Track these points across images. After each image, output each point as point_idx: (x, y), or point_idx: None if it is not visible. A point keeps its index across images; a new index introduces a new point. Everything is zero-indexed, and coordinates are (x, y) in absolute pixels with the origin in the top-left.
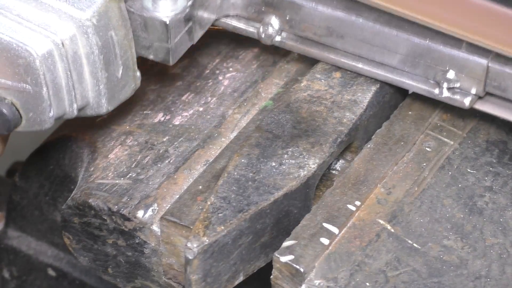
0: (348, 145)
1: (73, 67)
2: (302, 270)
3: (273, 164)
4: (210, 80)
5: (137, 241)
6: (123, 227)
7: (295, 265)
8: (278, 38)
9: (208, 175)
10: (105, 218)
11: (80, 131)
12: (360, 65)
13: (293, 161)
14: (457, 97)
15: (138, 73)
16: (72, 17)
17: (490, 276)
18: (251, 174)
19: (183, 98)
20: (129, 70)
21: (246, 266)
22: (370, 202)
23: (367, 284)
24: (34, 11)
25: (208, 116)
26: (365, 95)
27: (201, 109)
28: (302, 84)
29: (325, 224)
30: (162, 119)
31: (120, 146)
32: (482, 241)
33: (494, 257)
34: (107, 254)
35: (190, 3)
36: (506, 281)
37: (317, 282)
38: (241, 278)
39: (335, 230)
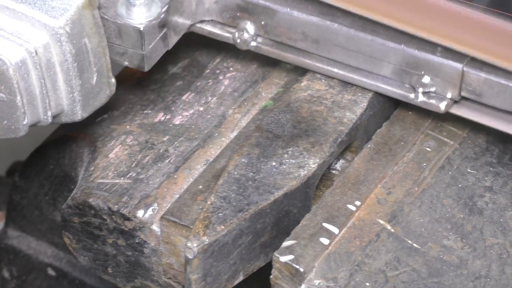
0: (348, 145)
1: (47, 75)
2: (302, 270)
3: (273, 163)
4: (210, 80)
5: (137, 241)
6: (123, 226)
7: (295, 265)
8: (253, 43)
9: (208, 174)
10: (105, 217)
11: (80, 131)
12: (335, 70)
13: (293, 161)
14: (433, 101)
15: (113, 80)
16: (45, 25)
17: (490, 276)
18: (251, 173)
19: (184, 97)
20: (103, 77)
21: (246, 266)
22: (370, 202)
23: (367, 284)
24: (7, 19)
25: (209, 116)
26: (365, 95)
27: (201, 108)
28: (303, 84)
29: (325, 224)
30: (162, 118)
31: (120, 145)
32: (482, 241)
33: (494, 257)
34: (107, 254)
35: (164, 9)
36: (506, 281)
37: (316, 282)
38: (241, 278)
39: (335, 230)
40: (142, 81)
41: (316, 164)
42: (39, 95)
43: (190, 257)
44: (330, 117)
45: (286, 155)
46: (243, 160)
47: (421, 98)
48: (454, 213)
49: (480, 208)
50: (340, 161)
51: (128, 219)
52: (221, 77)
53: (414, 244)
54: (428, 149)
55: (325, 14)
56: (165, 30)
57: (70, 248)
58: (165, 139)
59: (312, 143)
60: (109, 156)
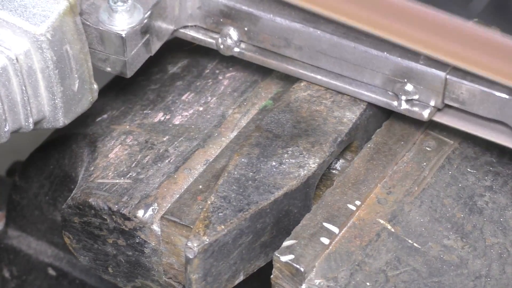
0: (348, 145)
1: (28, 82)
2: (302, 269)
3: (273, 163)
4: (210, 80)
5: (137, 241)
6: (123, 226)
7: (295, 265)
8: (236, 49)
9: (208, 174)
10: (105, 217)
11: (80, 131)
12: (318, 77)
13: (293, 161)
14: (416, 109)
15: (95, 86)
16: (26, 32)
17: (490, 275)
18: (251, 173)
19: (183, 97)
20: (85, 83)
21: (246, 266)
22: (370, 201)
23: (367, 283)
24: None
25: (208, 116)
26: None
27: (201, 108)
28: (302, 84)
29: (325, 224)
30: (162, 118)
31: (120, 145)
32: (482, 240)
33: (494, 256)
34: (107, 254)
35: (147, 15)
36: (506, 280)
37: (317, 281)
38: (241, 278)
39: (335, 229)
40: (141, 81)
41: (316, 164)
42: (20, 102)
43: (191, 256)
44: (330, 116)
45: (286, 155)
46: (243, 160)
47: (404, 105)
48: (454, 213)
49: (480, 208)
50: (340, 160)
51: (128, 219)
52: (220, 77)
53: (415, 244)
54: (428, 148)
55: (308, 20)
56: (147, 36)
57: (70, 248)
58: (165, 139)
59: (312, 142)
60: (109, 156)
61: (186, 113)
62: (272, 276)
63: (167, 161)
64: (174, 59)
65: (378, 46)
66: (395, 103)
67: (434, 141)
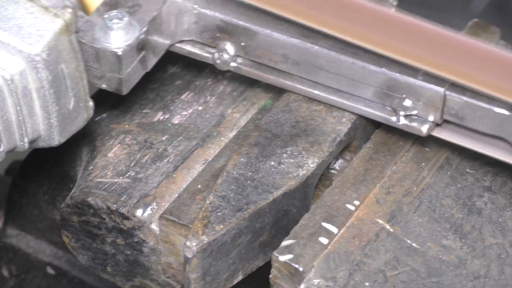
0: (347, 145)
1: (23, 102)
2: (301, 269)
3: (272, 163)
4: (209, 79)
5: (136, 240)
6: (122, 225)
7: (294, 264)
8: (233, 64)
9: (207, 174)
10: (104, 216)
11: (80, 130)
12: (316, 92)
13: (292, 161)
14: (414, 124)
15: (91, 103)
16: (21, 52)
17: (489, 276)
18: (250, 173)
19: (182, 97)
20: (80, 101)
21: (245, 265)
22: (369, 201)
23: (366, 283)
24: None
25: (207, 115)
26: None
27: (200, 108)
28: None
29: (324, 224)
30: (161, 118)
31: (119, 145)
32: (481, 241)
33: (493, 257)
34: (106, 253)
35: (143, 31)
36: (504, 281)
37: (316, 281)
38: (240, 277)
39: (334, 229)
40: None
41: (315, 164)
42: (15, 122)
43: (189, 256)
44: (329, 116)
45: (285, 155)
46: (242, 159)
47: (402, 121)
48: (453, 213)
49: (479, 208)
50: (339, 160)
51: (127, 218)
52: (220, 77)
53: (413, 244)
54: (427, 148)
55: (305, 36)
56: (143, 52)
57: (69, 247)
58: (164, 138)
59: (311, 142)
60: (108, 155)
61: (185, 113)
62: (270, 275)
63: (166, 160)
64: (174, 58)
65: (376, 62)
66: (394, 118)
67: (433, 141)
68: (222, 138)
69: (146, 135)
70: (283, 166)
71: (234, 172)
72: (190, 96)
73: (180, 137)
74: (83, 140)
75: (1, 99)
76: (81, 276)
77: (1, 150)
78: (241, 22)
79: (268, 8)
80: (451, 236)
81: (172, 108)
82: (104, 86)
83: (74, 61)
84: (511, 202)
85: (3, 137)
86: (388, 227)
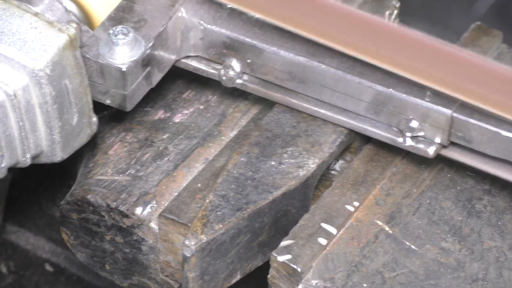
0: (348, 146)
1: (26, 117)
2: (299, 269)
3: (273, 163)
4: (210, 78)
5: (135, 238)
6: (121, 223)
7: (292, 265)
8: (239, 81)
9: (207, 173)
10: (104, 214)
11: None
12: (322, 111)
13: (292, 161)
14: (421, 146)
15: (94, 119)
16: (25, 67)
17: (487, 279)
18: (250, 173)
19: (184, 95)
20: (84, 117)
21: (243, 265)
22: (368, 203)
23: (364, 285)
24: None
25: (208, 114)
26: None
27: (201, 107)
28: None
29: (323, 224)
30: (162, 116)
31: (119, 142)
32: (479, 244)
33: (491, 260)
34: (104, 251)
35: (149, 47)
36: (503, 284)
37: (314, 282)
38: (238, 277)
39: (333, 230)
40: None
41: (315, 164)
42: (18, 137)
43: (188, 255)
44: None
45: (285, 155)
46: (242, 159)
47: (409, 142)
48: (452, 216)
49: (479, 211)
50: (339, 161)
51: (126, 216)
52: None
53: (412, 246)
54: None
55: (312, 54)
56: (148, 68)
57: (68, 244)
58: (164, 137)
59: (312, 143)
60: (109, 152)
61: (186, 111)
62: (269, 275)
63: (166, 159)
64: None
65: (383, 82)
66: (400, 139)
67: None
68: (222, 137)
69: (147, 133)
70: (283, 166)
71: (234, 172)
72: (192, 94)
73: (181, 136)
74: None
75: (3, 114)
76: (80, 273)
77: (4, 165)
78: (247, 39)
79: (272, 21)
80: (450, 239)
81: (173, 106)
82: (108, 102)
83: (78, 76)
84: (510, 205)
85: (5, 152)
86: (387, 228)
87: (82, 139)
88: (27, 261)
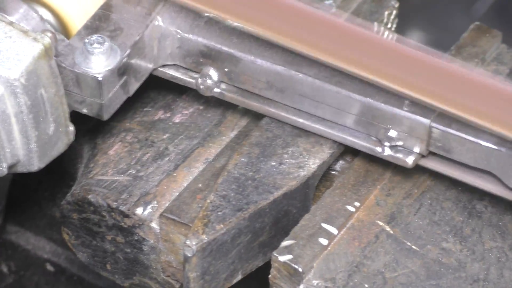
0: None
1: (1, 127)
2: (300, 270)
3: (273, 163)
4: None
5: (135, 238)
6: (122, 223)
7: (293, 265)
8: (217, 90)
9: (208, 173)
10: (104, 214)
11: (80, 127)
12: (301, 120)
13: (293, 161)
14: (400, 155)
15: (71, 128)
16: None
17: (488, 279)
18: (250, 173)
19: (184, 95)
20: (61, 126)
21: (244, 265)
22: (369, 203)
23: (365, 285)
24: None
25: (209, 115)
26: None
27: (201, 107)
28: None
29: (324, 225)
30: (163, 116)
31: (120, 142)
32: (480, 244)
33: (492, 260)
34: (105, 251)
35: (124, 56)
36: (504, 284)
37: (315, 282)
38: (239, 277)
39: (334, 230)
40: None
41: (316, 165)
42: None
43: (189, 255)
44: None
45: (286, 155)
46: (243, 159)
47: (387, 152)
48: (453, 216)
49: (479, 211)
50: (340, 162)
51: (127, 216)
52: None
53: (413, 246)
54: None
55: (289, 63)
56: (125, 77)
57: (69, 244)
58: (165, 137)
59: (312, 143)
60: (109, 153)
61: (186, 111)
62: (270, 276)
63: (167, 159)
64: None
65: (361, 91)
66: (379, 149)
67: None
68: (223, 138)
69: (147, 133)
70: (284, 167)
71: (235, 172)
72: (192, 95)
73: (181, 136)
74: (84, 137)
75: None
76: (80, 273)
77: None
78: (224, 48)
79: (249, 29)
80: (451, 239)
81: (173, 106)
82: (84, 111)
83: (54, 86)
84: (511, 205)
85: None
86: (388, 229)
87: (59, 148)
88: (27, 261)
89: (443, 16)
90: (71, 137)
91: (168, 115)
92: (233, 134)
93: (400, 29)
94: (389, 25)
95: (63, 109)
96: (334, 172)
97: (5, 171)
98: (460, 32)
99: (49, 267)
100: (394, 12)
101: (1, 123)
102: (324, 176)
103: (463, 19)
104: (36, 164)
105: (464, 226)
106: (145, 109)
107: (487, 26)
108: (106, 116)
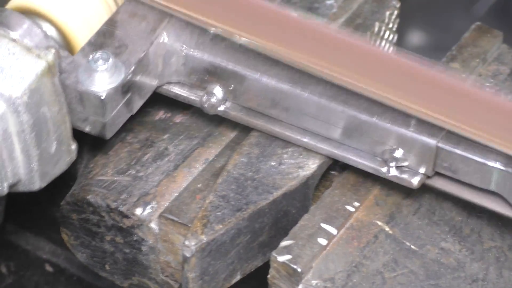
0: None
1: (3, 145)
2: (299, 270)
3: (273, 163)
4: None
5: (135, 238)
6: (121, 224)
7: (292, 265)
8: (221, 108)
9: (207, 173)
10: (104, 214)
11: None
12: (305, 139)
13: (292, 161)
14: (405, 176)
15: (74, 146)
16: (2, 95)
17: (487, 279)
18: (250, 173)
19: None
20: (63, 145)
21: (243, 265)
22: (368, 203)
23: (364, 285)
24: None
25: (209, 115)
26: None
27: None
28: None
29: (323, 225)
30: (163, 116)
31: (120, 143)
32: (480, 244)
33: (491, 260)
34: (105, 251)
35: (129, 73)
36: (503, 284)
37: (314, 282)
38: (238, 277)
39: (333, 230)
40: None
41: (315, 165)
42: None
43: (188, 255)
44: None
45: (285, 155)
46: (242, 159)
47: (393, 172)
48: (452, 216)
49: (479, 211)
50: (340, 162)
51: (126, 216)
52: None
53: (412, 246)
54: None
55: (295, 82)
56: (129, 95)
57: (68, 244)
58: (165, 137)
59: None
60: (109, 153)
61: (186, 112)
62: (269, 276)
63: (166, 159)
64: None
65: (368, 111)
66: (384, 169)
67: None
68: (223, 138)
69: (147, 133)
70: (283, 167)
71: (235, 172)
72: None
73: (181, 136)
74: (84, 137)
75: None
76: (80, 273)
77: None
78: (230, 65)
79: (255, 44)
80: (450, 239)
81: (173, 106)
82: (87, 129)
83: (57, 104)
84: (511, 205)
85: None
86: (387, 229)
87: (61, 167)
88: (27, 262)
89: (444, 16)
90: (74, 155)
91: (168, 115)
92: (233, 134)
93: (401, 29)
94: (390, 25)
95: (65, 128)
96: (333, 172)
97: (5, 190)
98: (461, 32)
99: (49, 268)
100: (395, 12)
101: (3, 141)
102: (323, 176)
103: (464, 19)
104: (37, 183)
105: (463, 226)
106: (145, 109)
107: (488, 26)
108: (108, 135)
